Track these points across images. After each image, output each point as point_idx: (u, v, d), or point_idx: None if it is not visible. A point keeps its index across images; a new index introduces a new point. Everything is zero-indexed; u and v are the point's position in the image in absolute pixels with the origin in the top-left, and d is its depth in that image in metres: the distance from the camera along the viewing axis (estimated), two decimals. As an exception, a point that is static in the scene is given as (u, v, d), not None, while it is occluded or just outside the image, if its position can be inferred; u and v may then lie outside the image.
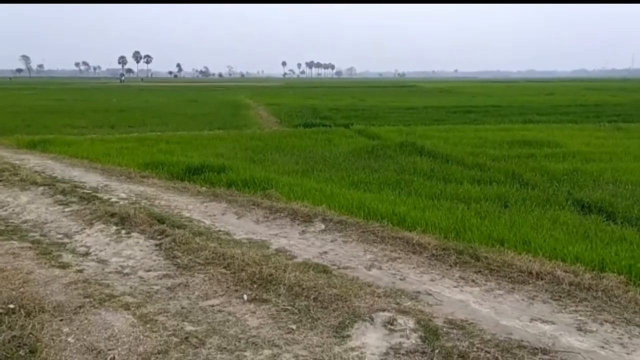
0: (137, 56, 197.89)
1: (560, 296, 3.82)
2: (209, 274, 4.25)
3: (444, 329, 3.30)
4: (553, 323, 3.42)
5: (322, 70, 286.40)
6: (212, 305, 3.70)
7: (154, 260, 4.63)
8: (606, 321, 3.44)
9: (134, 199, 6.87)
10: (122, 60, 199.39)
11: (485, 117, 20.60)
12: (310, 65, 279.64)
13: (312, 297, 3.75)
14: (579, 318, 3.49)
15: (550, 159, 9.70)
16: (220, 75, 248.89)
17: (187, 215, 6.18)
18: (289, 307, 3.61)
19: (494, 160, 9.53)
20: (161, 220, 5.63)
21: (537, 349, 3.07)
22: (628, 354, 3.05)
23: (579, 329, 3.34)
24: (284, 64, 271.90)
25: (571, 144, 11.71)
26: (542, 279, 4.06)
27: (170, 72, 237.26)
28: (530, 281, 4.07)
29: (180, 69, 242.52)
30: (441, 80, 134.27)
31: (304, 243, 5.21)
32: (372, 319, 3.43)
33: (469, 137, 13.38)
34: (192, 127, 17.01)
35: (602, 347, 3.12)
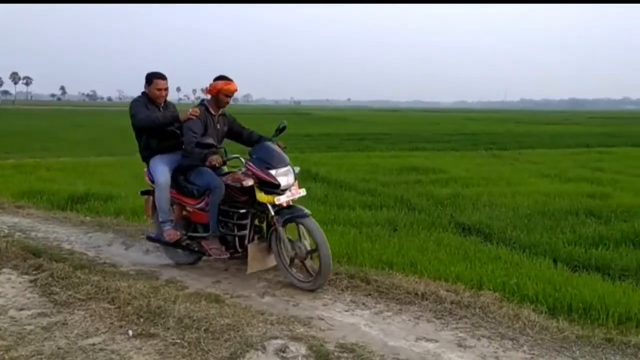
0: (15, 77, 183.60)
1: (442, 315, 4.03)
2: (91, 309, 3.98)
3: (335, 354, 3.35)
4: (436, 341, 3.60)
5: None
6: (93, 344, 3.46)
7: (28, 298, 4.26)
8: (483, 336, 3.68)
9: (7, 231, 6.30)
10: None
11: (377, 144, 21.48)
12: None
13: (203, 328, 3.64)
14: (459, 335, 3.70)
15: (435, 184, 10.28)
16: (109, 99, 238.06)
17: (68, 247, 5.78)
18: (178, 341, 3.48)
19: (384, 186, 9.91)
20: (37, 254, 5.22)
21: (422, 367, 3.21)
22: (502, 366, 3.27)
23: (459, 345, 3.54)
24: (178, 89, 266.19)
25: (453, 170, 12.49)
26: (427, 299, 4.27)
27: (53, 95, 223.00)
28: (416, 302, 4.26)
29: (64, 92, 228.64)
30: (335, 109, 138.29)
31: (196, 272, 5.06)
32: (265, 348, 3.40)
33: (362, 164, 13.84)
34: (77, 153, 16.07)
35: (480, 361, 3.32)
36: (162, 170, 4.97)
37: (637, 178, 11.46)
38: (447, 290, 4.39)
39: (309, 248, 4.53)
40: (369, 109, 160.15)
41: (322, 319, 3.94)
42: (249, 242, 4.71)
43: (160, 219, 5.06)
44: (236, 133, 5.17)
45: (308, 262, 4.60)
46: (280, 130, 5.04)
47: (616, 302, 4.12)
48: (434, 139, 24.40)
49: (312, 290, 4.43)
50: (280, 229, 4.50)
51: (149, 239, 5.36)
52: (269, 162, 4.51)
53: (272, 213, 4.51)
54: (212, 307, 4.03)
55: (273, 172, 4.46)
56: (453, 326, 3.84)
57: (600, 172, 12.47)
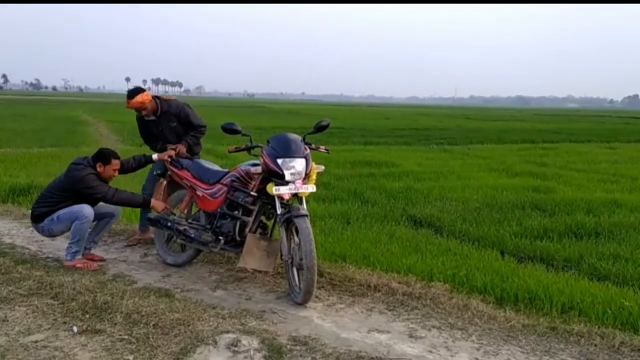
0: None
1: (394, 306, 4.08)
2: (33, 305, 3.82)
3: (288, 347, 3.33)
4: (388, 332, 3.63)
5: (169, 88, 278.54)
6: (36, 341, 3.32)
7: (-36, 295, 4.04)
8: (433, 327, 3.74)
9: (-59, 224, 5.97)
10: None
11: (331, 138, 21.50)
12: (156, 82, 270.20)
13: (152, 323, 3.55)
14: (411, 326, 3.75)
15: (388, 178, 10.39)
16: (54, 88, 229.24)
17: (9, 241, 5.52)
18: (126, 337, 3.37)
19: (338, 180, 9.95)
20: (-25, 249, 4.95)
21: (373, 358, 3.23)
22: (452, 356, 3.33)
23: (410, 336, 3.58)
24: (127, 79, 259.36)
25: (405, 164, 12.67)
26: (379, 291, 4.31)
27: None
28: (369, 294, 4.29)
29: (6, 80, 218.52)
30: (289, 102, 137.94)
31: (145, 266, 4.94)
32: (216, 342, 3.35)
33: (315, 157, 13.83)
34: (19, 144, 15.34)
35: (430, 351, 3.38)
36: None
37: (579, 173, 11.95)
38: (399, 282, 4.44)
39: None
40: (323, 103, 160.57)
41: (275, 312, 3.91)
42: (250, 232, 4.40)
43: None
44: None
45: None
46: (319, 128, 4.68)
47: (559, 291, 4.27)
48: (386, 134, 24.67)
49: (299, 304, 4.04)
50: (281, 227, 4.18)
51: (149, 220, 5.06)
52: (280, 150, 4.23)
53: (278, 210, 4.17)
54: (162, 302, 3.94)
55: (280, 161, 4.16)
56: (405, 317, 3.89)
57: (544, 167, 12.93)
